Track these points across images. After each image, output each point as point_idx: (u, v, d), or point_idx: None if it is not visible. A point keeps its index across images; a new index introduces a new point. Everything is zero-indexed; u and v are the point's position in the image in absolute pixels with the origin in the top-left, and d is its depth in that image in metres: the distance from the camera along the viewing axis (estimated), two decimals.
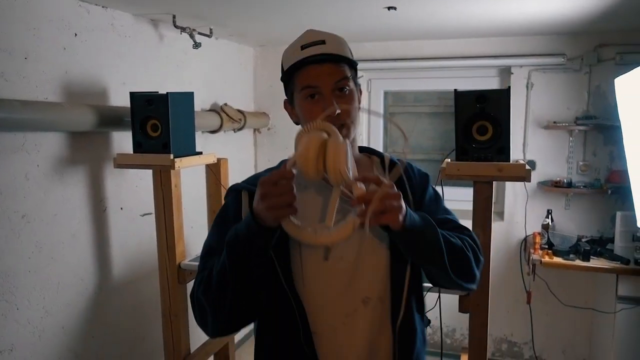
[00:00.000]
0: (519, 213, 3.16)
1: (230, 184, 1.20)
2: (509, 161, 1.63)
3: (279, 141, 3.62)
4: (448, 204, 1.23)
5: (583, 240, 2.92)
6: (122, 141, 2.31)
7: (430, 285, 1.19)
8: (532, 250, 2.82)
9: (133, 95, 2.07)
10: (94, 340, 2.21)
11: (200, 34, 2.69)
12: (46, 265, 1.97)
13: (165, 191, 2.13)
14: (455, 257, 1.04)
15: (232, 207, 1.12)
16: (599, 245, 2.82)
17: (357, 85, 1.12)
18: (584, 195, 3.02)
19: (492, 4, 2.22)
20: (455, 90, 1.67)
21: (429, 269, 1.08)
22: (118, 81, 2.30)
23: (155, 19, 2.52)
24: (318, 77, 1.04)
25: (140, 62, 2.45)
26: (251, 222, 0.94)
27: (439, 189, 1.38)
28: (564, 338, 3.19)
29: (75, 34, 2.07)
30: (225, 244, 0.98)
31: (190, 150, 2.19)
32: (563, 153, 3.07)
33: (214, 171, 2.44)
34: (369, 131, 3.59)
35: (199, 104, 2.91)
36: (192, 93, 2.22)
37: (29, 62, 1.87)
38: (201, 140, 2.84)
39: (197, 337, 2.37)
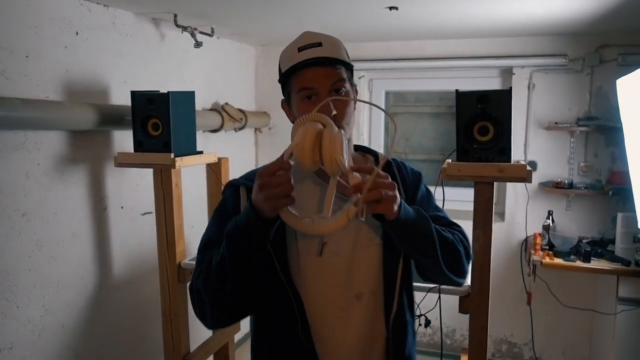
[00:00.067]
0: (520, 214, 3.15)
1: None
2: (510, 162, 1.63)
3: (280, 141, 3.61)
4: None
5: (584, 241, 2.92)
6: (123, 140, 2.31)
7: (430, 285, 1.19)
8: (532, 251, 2.82)
9: (134, 94, 2.07)
10: (93, 339, 2.21)
11: (201, 33, 2.69)
12: (46, 264, 1.97)
13: (165, 190, 2.13)
14: (448, 249, 1.08)
15: (231, 202, 1.13)
16: (600, 247, 2.82)
17: (352, 86, 1.14)
18: (585, 197, 3.01)
19: (493, 4, 2.21)
20: (456, 90, 1.66)
21: (421, 261, 1.11)
22: (119, 80, 2.31)
23: (157, 18, 2.52)
24: (315, 79, 1.06)
25: (142, 61, 2.45)
26: (250, 213, 0.95)
27: (439, 189, 1.38)
28: (564, 339, 3.19)
29: (77, 33, 2.07)
30: (225, 235, 0.99)
31: (191, 149, 2.19)
32: (564, 154, 3.06)
33: (214, 170, 2.44)
34: (370, 131, 3.59)
35: (200, 103, 2.91)
36: (193, 92, 2.22)
37: (30, 60, 1.87)
38: (202, 140, 2.84)
39: (197, 336, 2.37)
